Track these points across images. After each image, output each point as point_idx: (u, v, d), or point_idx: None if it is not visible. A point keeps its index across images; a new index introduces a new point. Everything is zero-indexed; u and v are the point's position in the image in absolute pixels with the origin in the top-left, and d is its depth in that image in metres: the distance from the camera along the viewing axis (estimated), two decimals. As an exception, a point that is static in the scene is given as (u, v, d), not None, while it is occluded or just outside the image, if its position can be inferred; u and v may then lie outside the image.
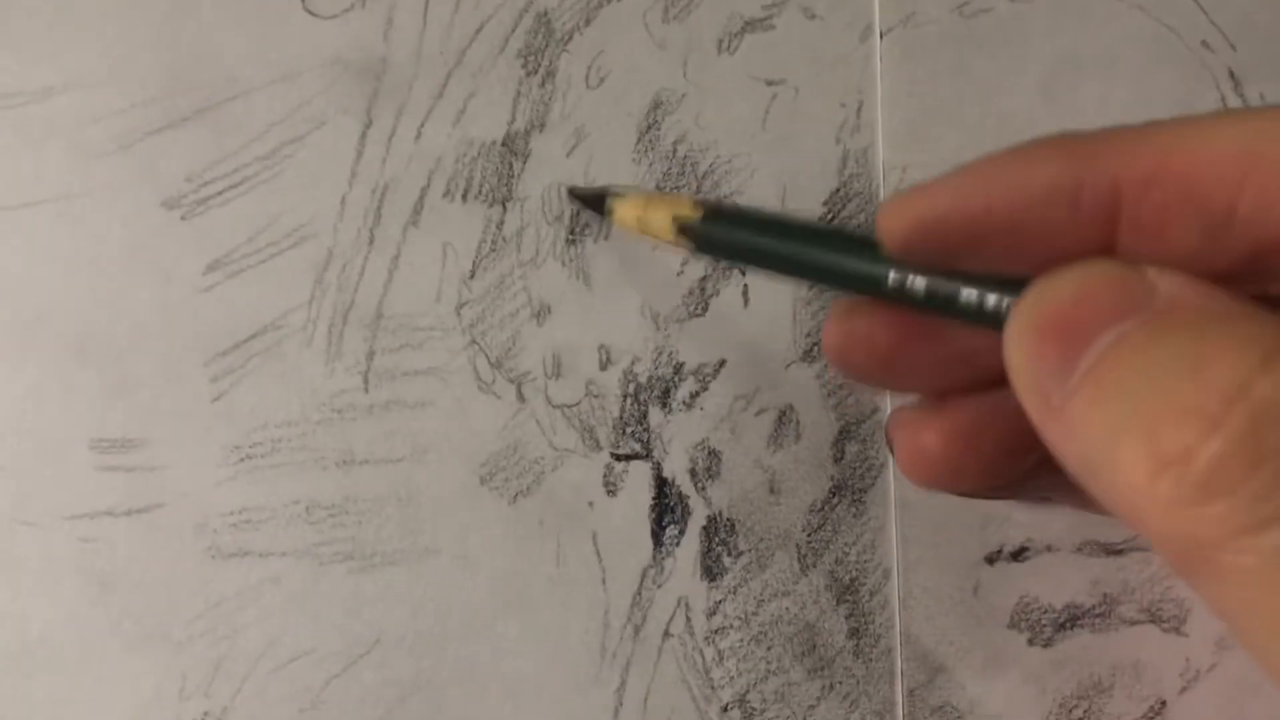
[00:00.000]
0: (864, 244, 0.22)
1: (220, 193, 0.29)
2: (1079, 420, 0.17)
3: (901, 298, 0.21)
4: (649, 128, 0.30)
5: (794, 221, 0.23)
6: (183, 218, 0.29)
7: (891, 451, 0.26)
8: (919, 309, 0.21)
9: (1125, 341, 0.17)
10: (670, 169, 0.30)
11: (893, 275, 0.21)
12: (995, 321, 0.20)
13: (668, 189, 0.30)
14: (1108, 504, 0.17)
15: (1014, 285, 0.19)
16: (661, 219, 0.25)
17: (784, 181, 0.30)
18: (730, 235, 0.24)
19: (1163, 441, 0.16)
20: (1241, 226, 0.18)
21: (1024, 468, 0.24)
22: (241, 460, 0.29)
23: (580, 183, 0.29)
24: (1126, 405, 0.16)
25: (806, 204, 0.30)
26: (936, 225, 0.20)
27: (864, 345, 0.23)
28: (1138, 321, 0.17)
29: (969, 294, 0.20)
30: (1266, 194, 0.18)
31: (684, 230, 0.25)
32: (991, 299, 0.20)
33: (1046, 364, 0.18)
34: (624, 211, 0.27)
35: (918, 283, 0.21)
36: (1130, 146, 0.19)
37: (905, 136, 0.30)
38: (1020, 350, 0.18)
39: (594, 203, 0.28)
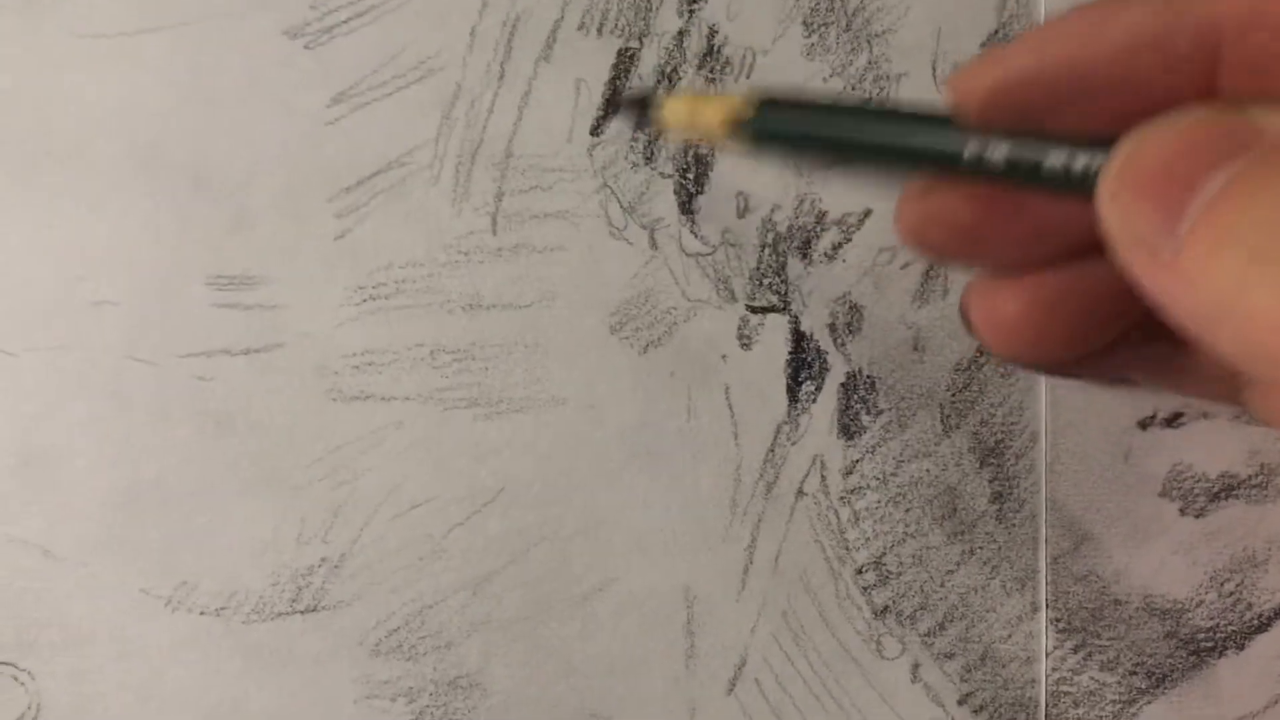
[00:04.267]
0: (934, 119, 0.20)
1: (345, 21, 0.28)
2: (1197, 269, 0.16)
3: (980, 171, 0.20)
4: (797, -39, 0.28)
5: (856, 103, 0.22)
6: (306, 47, 0.28)
7: (966, 323, 0.24)
8: (1000, 181, 0.20)
9: (1241, 181, 0.16)
10: (819, 4, 0.28)
11: (970, 147, 0.20)
12: (1085, 185, 0.18)
13: (815, 26, 0.28)
14: (1234, 354, 0.16)
15: (1103, 144, 0.18)
16: (713, 121, 0.23)
17: (939, 22, 0.28)
18: (790, 126, 0.22)
19: None
20: None
21: (1107, 338, 0.23)
22: (364, 301, 0.28)
23: (724, 19, 0.28)
24: (1254, 245, 0.15)
25: (963, 46, 0.28)
26: (1017, 88, 0.19)
27: (943, 224, 0.22)
28: (1251, 159, 0.16)
29: (1055, 158, 0.19)
30: None
31: (739, 127, 0.23)
32: (1080, 160, 0.18)
33: (1150, 217, 0.17)
34: (673, 117, 0.24)
35: (998, 153, 0.19)
36: None
37: (1071, -25, 0.28)
38: (1118, 206, 0.17)
39: (640, 111, 0.26)
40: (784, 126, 0.22)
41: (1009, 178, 0.19)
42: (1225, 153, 0.16)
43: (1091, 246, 0.18)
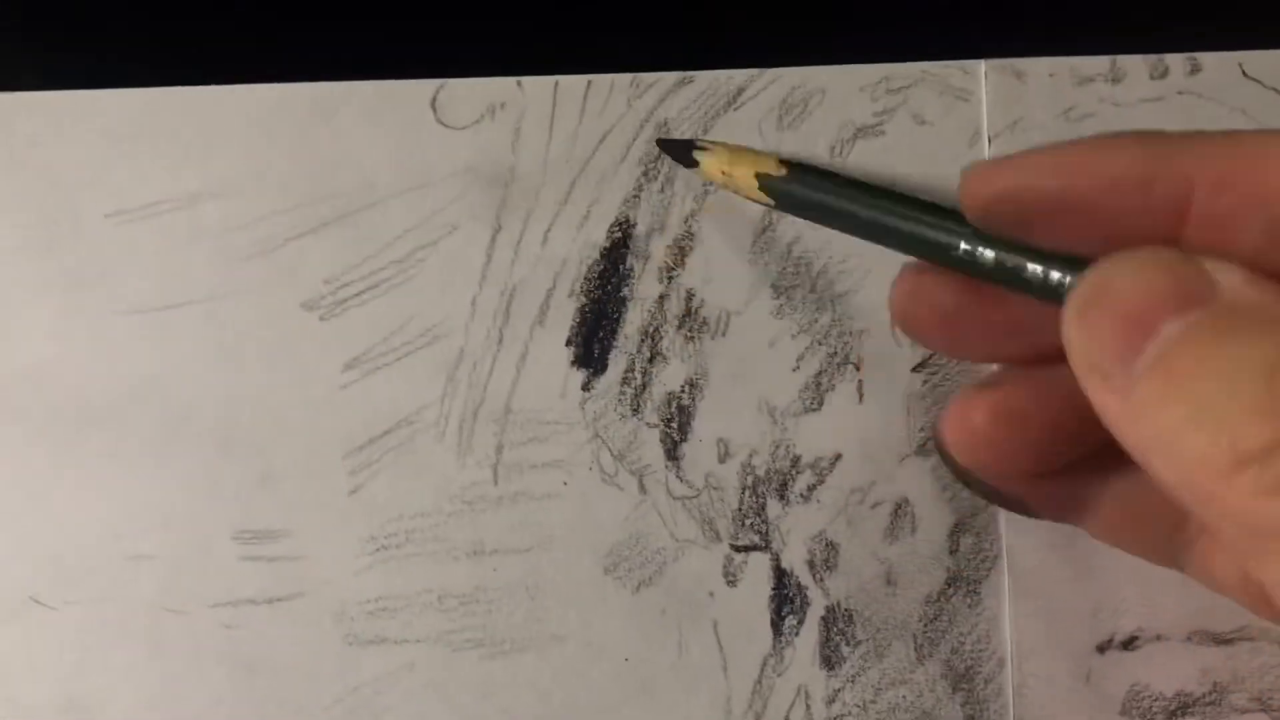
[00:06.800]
0: (939, 211, 0.23)
1: (357, 294, 0.31)
2: (1147, 406, 0.18)
3: (970, 266, 0.22)
4: (764, 229, 0.31)
5: (873, 186, 0.24)
6: (321, 318, 0.31)
7: (939, 446, 0.26)
8: (986, 277, 0.22)
9: (1194, 335, 0.18)
10: (785, 269, 0.31)
11: (963, 243, 0.22)
12: (1058, 296, 0.21)
13: (783, 288, 0.31)
14: (1169, 483, 0.18)
15: (1078, 264, 0.20)
16: (745, 173, 0.27)
17: (896, 281, 0.31)
18: (811, 194, 0.26)
19: (1241, 440, 0.17)
20: None
21: (1064, 457, 0.25)
22: (378, 550, 0.31)
23: (700, 284, 0.31)
24: (1201, 400, 0.18)
25: (918, 303, 0.31)
26: (1015, 197, 0.21)
27: (930, 305, 0.24)
28: (1205, 315, 0.18)
29: (1035, 268, 0.21)
30: None
31: (767, 186, 0.26)
32: (1055, 274, 0.21)
33: (1107, 345, 0.19)
34: (709, 165, 0.28)
35: (986, 253, 0.22)
36: (1210, 149, 0.20)
37: (1013, 237, 0.31)
38: (1080, 329, 0.19)
39: (681, 153, 0.30)
40: (806, 195, 0.25)
41: (994, 276, 0.22)
42: (1183, 302, 0.18)
43: (1059, 353, 0.20)
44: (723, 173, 0.28)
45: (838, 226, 0.25)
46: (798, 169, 0.26)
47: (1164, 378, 0.18)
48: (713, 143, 0.29)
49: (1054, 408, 0.24)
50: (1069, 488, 0.26)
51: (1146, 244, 0.20)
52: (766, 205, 0.27)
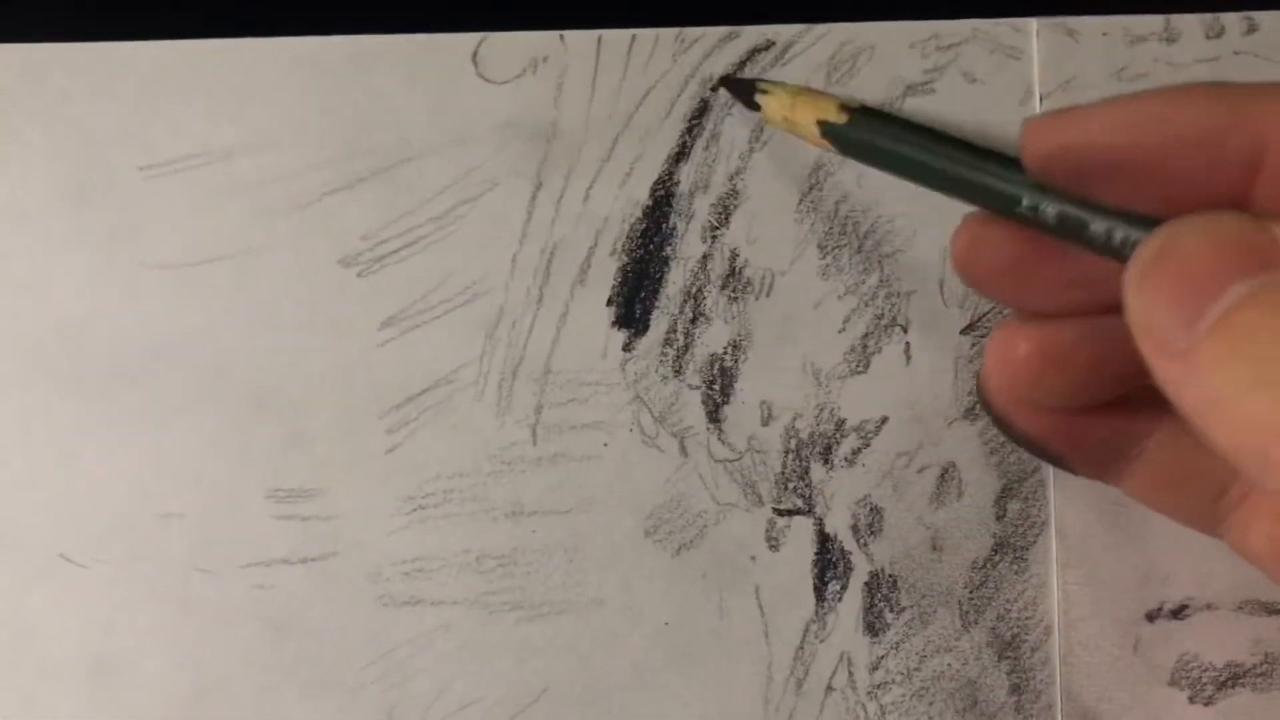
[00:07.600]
0: (1004, 162, 0.22)
1: (395, 251, 0.30)
2: (1206, 368, 0.18)
3: (1034, 219, 0.22)
4: (811, 189, 0.30)
5: (939, 134, 0.24)
6: (359, 275, 0.30)
7: (980, 382, 0.26)
8: (1048, 231, 0.22)
9: (1259, 298, 0.17)
10: (832, 228, 0.30)
11: (1027, 198, 0.22)
12: (1121, 255, 0.20)
13: (829, 248, 0.30)
14: (1224, 445, 0.18)
15: (1144, 223, 0.20)
16: (807, 119, 0.26)
17: (944, 244, 0.30)
18: (874, 141, 0.25)
19: None
20: None
21: (1100, 399, 0.24)
22: (414, 510, 0.30)
23: (744, 243, 0.30)
24: (1263, 363, 0.17)
25: (967, 264, 0.30)
26: (1080, 151, 0.21)
27: (991, 255, 0.24)
28: (1273, 279, 0.18)
29: (1098, 226, 0.21)
30: None
31: (829, 133, 0.25)
32: (1120, 233, 0.20)
33: (1168, 308, 0.18)
34: (771, 107, 0.28)
35: (1050, 208, 0.21)
36: None
37: (1064, 198, 0.30)
38: (1140, 292, 0.19)
39: (744, 94, 0.29)
40: (869, 142, 0.25)
41: (1057, 231, 0.21)
42: (1248, 266, 0.18)
43: (1118, 306, 0.20)
44: (784, 117, 0.27)
45: (898, 174, 0.25)
46: (861, 115, 0.25)
47: (1227, 340, 0.18)
48: (775, 84, 0.28)
49: (1099, 351, 0.23)
50: (1108, 444, 0.25)
51: (1213, 205, 0.19)
52: (828, 150, 0.26)
